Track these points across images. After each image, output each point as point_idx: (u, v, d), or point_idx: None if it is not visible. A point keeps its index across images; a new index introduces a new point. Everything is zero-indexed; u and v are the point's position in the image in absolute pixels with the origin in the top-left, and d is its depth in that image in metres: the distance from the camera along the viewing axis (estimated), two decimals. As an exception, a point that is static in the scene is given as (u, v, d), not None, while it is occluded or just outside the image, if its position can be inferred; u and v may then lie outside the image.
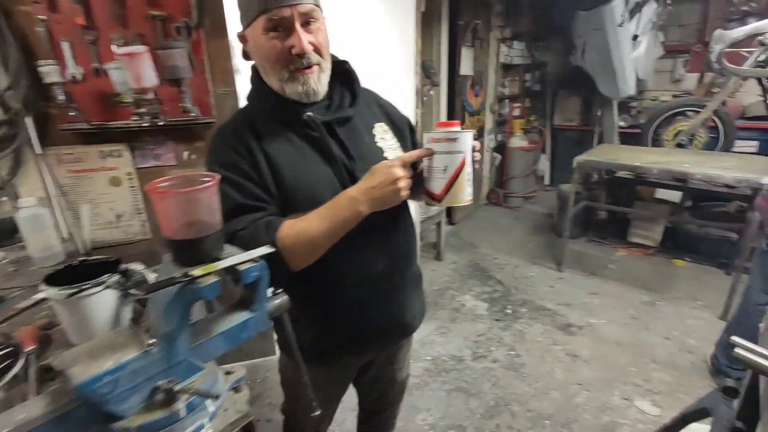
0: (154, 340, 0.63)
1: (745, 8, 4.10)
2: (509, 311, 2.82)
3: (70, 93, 1.63)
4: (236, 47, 1.80)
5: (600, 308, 2.82)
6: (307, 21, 0.85)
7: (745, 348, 1.05)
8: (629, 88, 3.75)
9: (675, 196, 3.50)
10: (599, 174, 3.74)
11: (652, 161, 2.86)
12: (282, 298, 0.77)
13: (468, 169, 0.84)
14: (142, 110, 1.65)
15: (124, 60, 1.53)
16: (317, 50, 0.87)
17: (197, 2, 1.73)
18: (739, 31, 3.03)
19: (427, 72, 3.26)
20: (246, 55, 0.95)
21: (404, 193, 0.81)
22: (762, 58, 2.92)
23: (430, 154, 0.83)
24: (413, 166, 0.90)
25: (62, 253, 1.54)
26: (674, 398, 2.04)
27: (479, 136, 4.43)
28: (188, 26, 1.73)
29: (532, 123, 4.82)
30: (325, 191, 0.88)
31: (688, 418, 1.09)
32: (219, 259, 0.68)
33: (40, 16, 1.58)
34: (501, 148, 4.82)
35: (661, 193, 3.60)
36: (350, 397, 1.31)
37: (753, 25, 3.03)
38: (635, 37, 3.48)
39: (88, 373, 0.58)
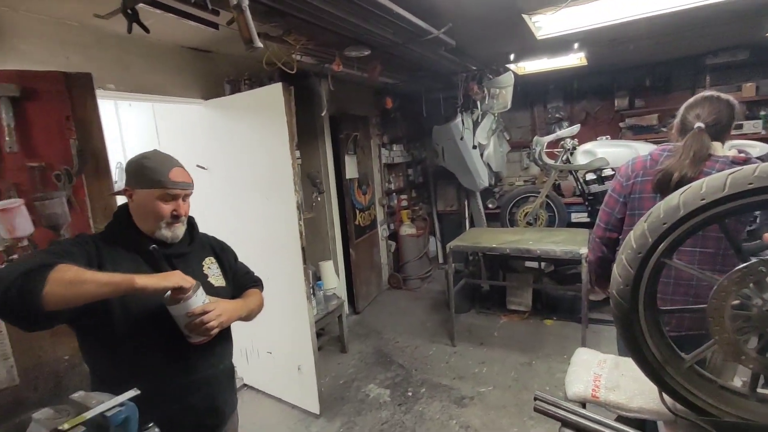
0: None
1: (557, 115, 5.39)
2: (410, 393, 3.00)
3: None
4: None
5: (488, 376, 3.14)
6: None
7: (544, 401, 1.38)
8: (484, 182, 4.57)
9: (536, 264, 4.17)
10: (474, 253, 4.32)
11: (506, 241, 3.46)
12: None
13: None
14: (14, 256, 1.68)
15: (-4, 213, 1.59)
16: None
17: (78, 151, 1.90)
18: (548, 137, 4.00)
19: (313, 182, 3.66)
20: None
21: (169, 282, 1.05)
22: (565, 156, 3.86)
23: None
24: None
25: None
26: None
27: (373, 227, 4.88)
28: (69, 173, 1.87)
29: (417, 212, 5.46)
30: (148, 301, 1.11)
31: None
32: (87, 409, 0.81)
33: None
34: (394, 236, 5.32)
35: (528, 263, 4.26)
36: None
37: (557, 133, 4.03)
38: (475, 147, 4.34)
39: None
